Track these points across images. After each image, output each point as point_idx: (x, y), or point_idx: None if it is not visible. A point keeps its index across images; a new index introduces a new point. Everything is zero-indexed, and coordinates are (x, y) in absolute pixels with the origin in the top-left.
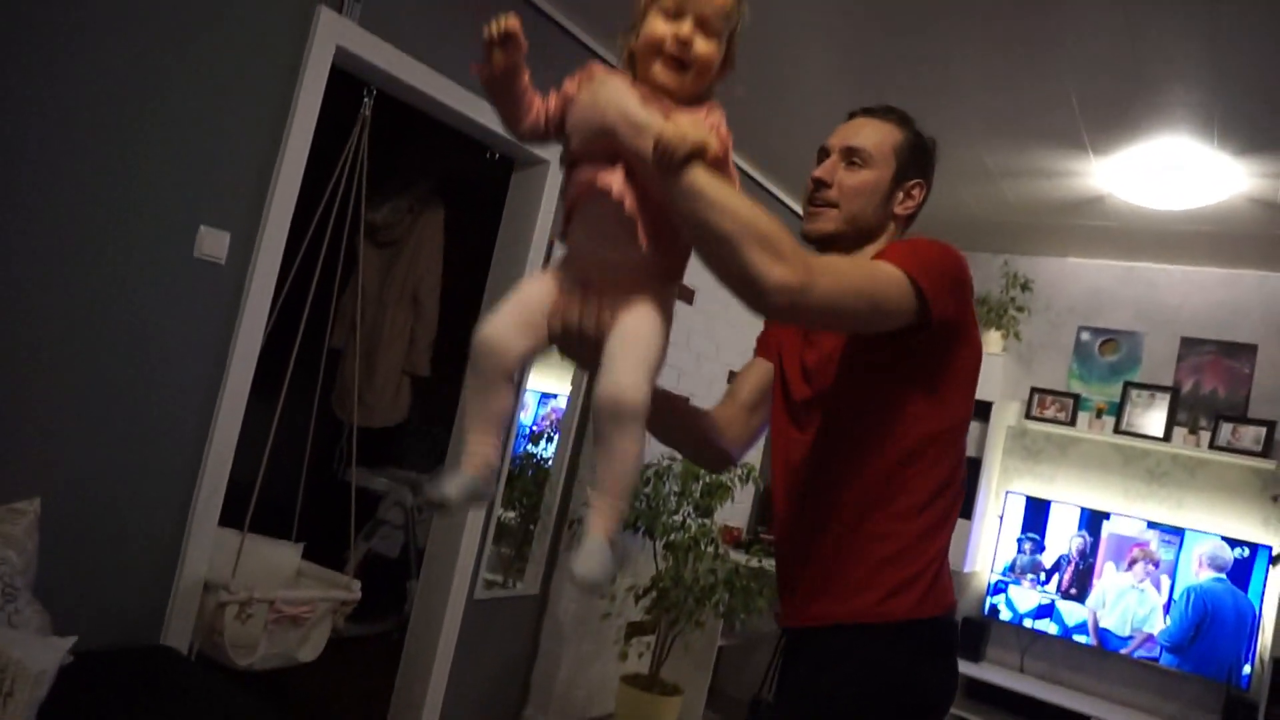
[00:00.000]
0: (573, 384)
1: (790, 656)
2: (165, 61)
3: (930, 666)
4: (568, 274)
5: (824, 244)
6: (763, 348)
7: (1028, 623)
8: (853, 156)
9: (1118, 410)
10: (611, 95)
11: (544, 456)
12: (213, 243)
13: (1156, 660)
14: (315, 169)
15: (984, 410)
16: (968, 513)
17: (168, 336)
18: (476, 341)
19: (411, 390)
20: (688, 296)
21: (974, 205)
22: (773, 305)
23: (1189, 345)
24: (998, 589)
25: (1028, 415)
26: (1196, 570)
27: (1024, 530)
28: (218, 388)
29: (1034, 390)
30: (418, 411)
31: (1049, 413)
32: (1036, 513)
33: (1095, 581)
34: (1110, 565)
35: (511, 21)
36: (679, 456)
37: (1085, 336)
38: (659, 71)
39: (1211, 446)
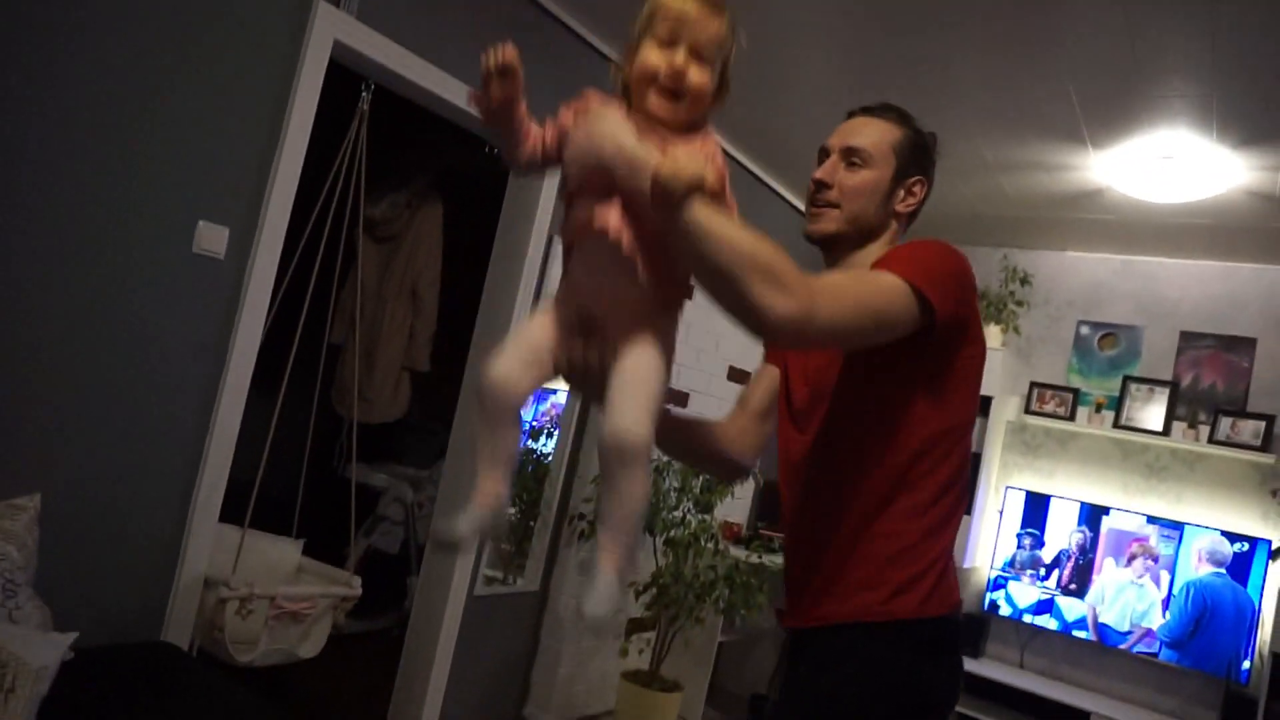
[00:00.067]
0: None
1: (794, 655)
2: (163, 57)
3: (934, 666)
4: (569, 308)
5: (827, 244)
6: (770, 354)
7: (1027, 618)
8: (852, 157)
9: (1117, 404)
10: (607, 130)
11: (544, 452)
12: (212, 238)
13: (1156, 655)
14: (314, 164)
15: (983, 405)
16: (967, 508)
17: (167, 332)
18: (484, 384)
19: (411, 386)
20: (687, 292)
21: (973, 199)
22: (779, 336)
23: (1188, 339)
24: (997, 584)
25: (1027, 410)
26: (1196, 565)
27: (1023, 525)
28: (217, 383)
29: (1033, 385)
30: (417, 408)
31: (1048, 407)
32: (1036, 508)
33: (1095, 577)
34: (1110, 560)
35: (509, 53)
36: None
37: (1084, 330)
38: (654, 102)
39: (1211, 441)
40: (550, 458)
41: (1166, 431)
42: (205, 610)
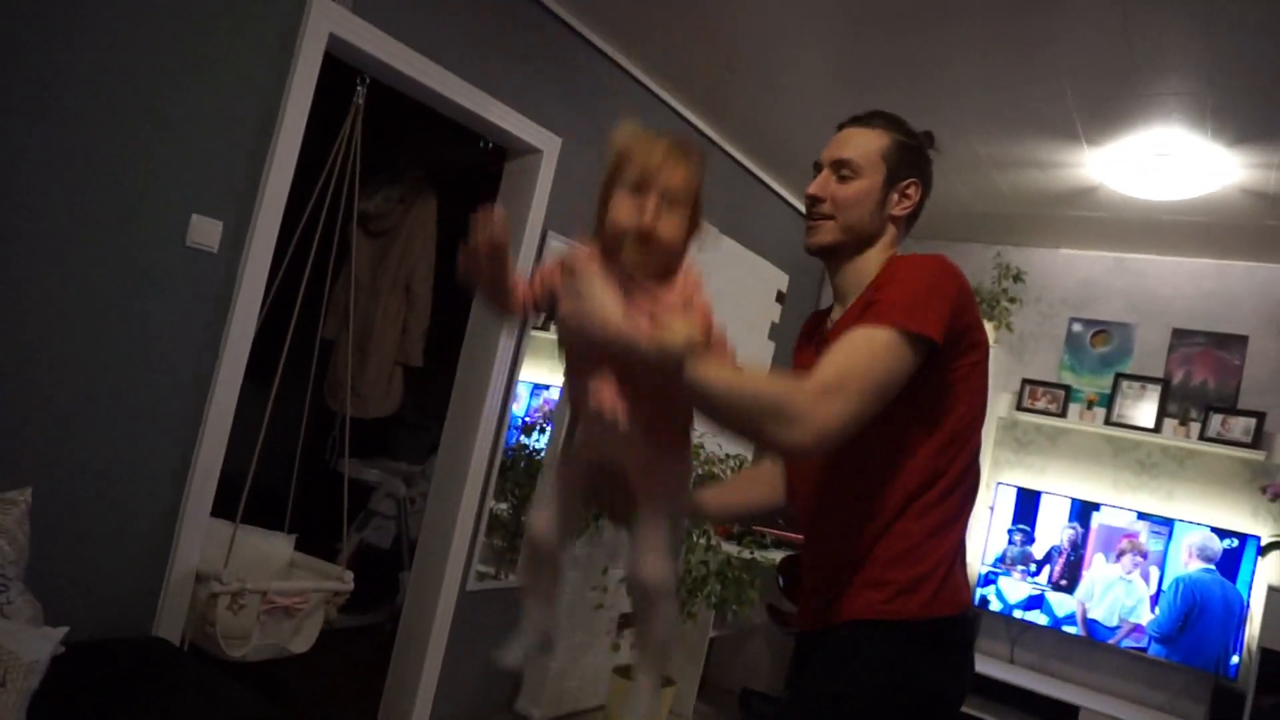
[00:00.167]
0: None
1: (803, 653)
2: (158, 49)
3: (940, 665)
4: (590, 457)
5: (826, 254)
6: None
7: (1018, 613)
8: (842, 169)
9: (1108, 401)
10: (595, 310)
11: (536, 448)
12: (205, 231)
13: (1145, 651)
14: (308, 158)
15: None
16: None
17: (160, 326)
18: (528, 538)
19: (404, 381)
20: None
21: (967, 196)
22: (804, 458)
23: (1180, 336)
24: (988, 580)
25: (1019, 406)
26: (1186, 561)
27: (1014, 521)
28: (210, 378)
29: (1025, 381)
30: (410, 403)
31: (1040, 404)
32: (1027, 504)
33: (1084, 572)
34: (1100, 556)
35: (497, 231)
36: None
37: (1077, 328)
38: (630, 255)
39: (1201, 438)
40: (543, 453)
41: (1158, 428)
42: (197, 605)
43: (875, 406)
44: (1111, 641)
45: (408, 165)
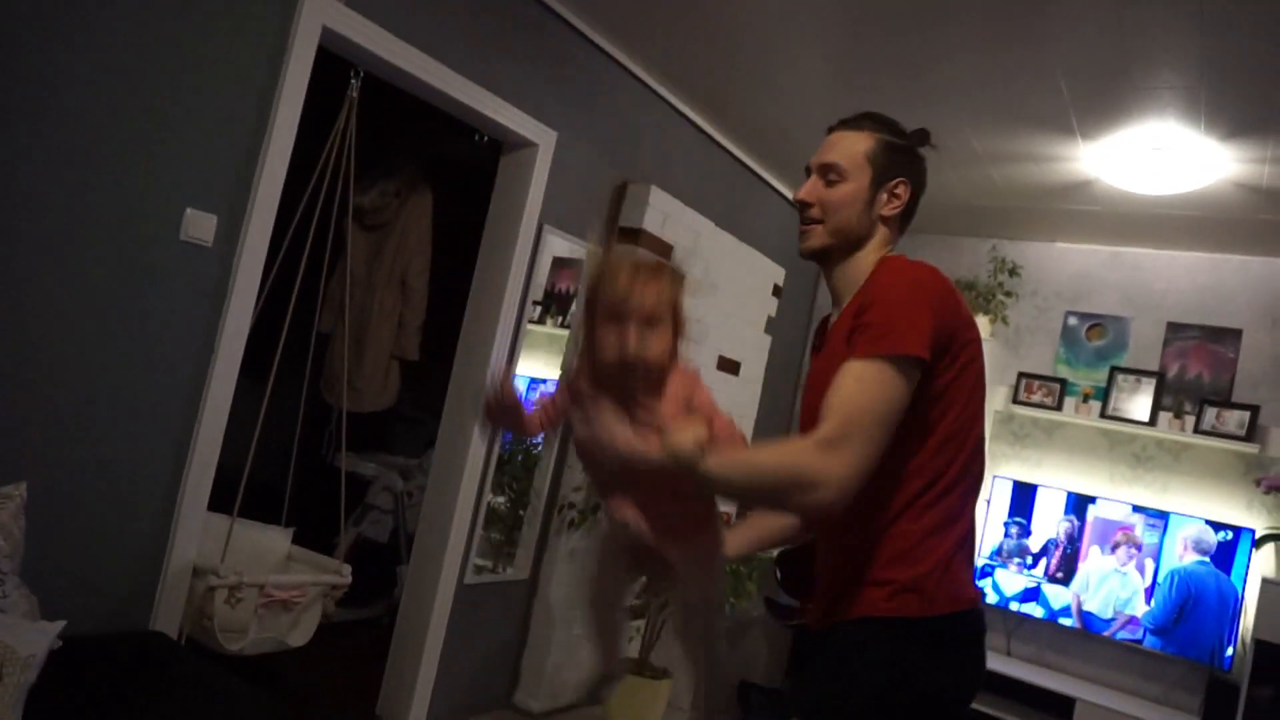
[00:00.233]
0: (562, 369)
1: (809, 649)
2: (151, 43)
3: (942, 662)
4: (627, 543)
5: (819, 258)
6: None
7: (1014, 606)
8: (829, 173)
9: (1104, 395)
10: (606, 434)
11: (534, 442)
12: (199, 225)
13: (1140, 642)
14: (302, 152)
15: None
16: None
17: (155, 320)
18: (589, 602)
19: (400, 375)
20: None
21: (962, 190)
22: (834, 511)
23: (1175, 330)
24: (985, 573)
25: (1015, 400)
26: (1181, 553)
27: (1011, 514)
28: (205, 371)
29: (1021, 375)
30: (407, 397)
31: (1036, 397)
32: (1023, 497)
33: (1080, 565)
34: (1095, 549)
35: (507, 391)
36: None
37: (1072, 321)
38: (624, 381)
39: (1196, 431)
40: (540, 448)
41: (1153, 422)
42: (194, 599)
43: (886, 438)
44: (1107, 634)
45: (403, 159)
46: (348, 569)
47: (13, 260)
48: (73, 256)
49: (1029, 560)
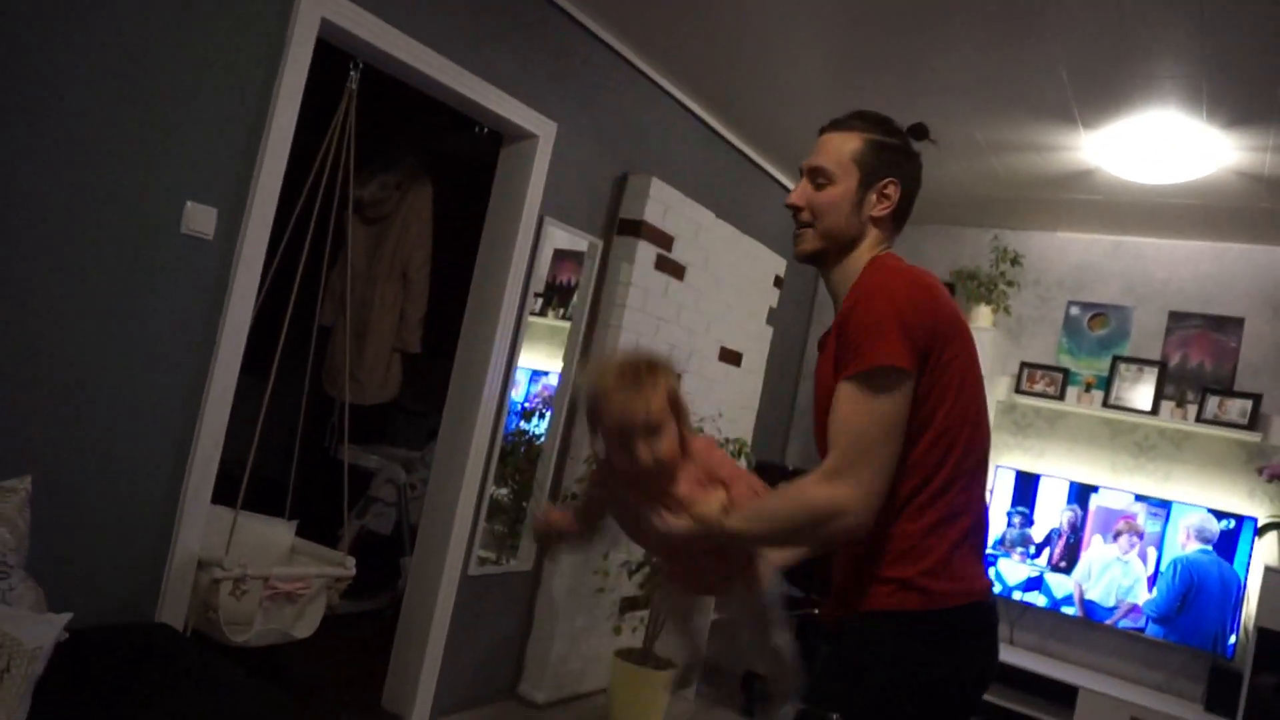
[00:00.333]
0: (564, 361)
1: (821, 641)
2: (150, 35)
3: (948, 655)
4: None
5: (814, 261)
6: None
7: (1017, 595)
8: (817, 177)
9: (1106, 384)
10: (648, 527)
11: (536, 433)
12: (200, 218)
13: (1143, 631)
14: (303, 144)
15: None
16: None
17: (156, 313)
18: (668, 614)
19: (402, 368)
20: (679, 273)
21: (964, 180)
22: (863, 534)
23: (1177, 319)
24: (988, 562)
25: (1017, 390)
26: (1183, 542)
27: (1013, 504)
28: (207, 365)
29: (1023, 365)
30: (408, 391)
31: (1038, 387)
32: (1025, 487)
33: (1082, 554)
34: (1098, 538)
35: (557, 523)
36: None
37: (1074, 311)
38: (646, 486)
39: (1198, 420)
40: (543, 438)
41: (1155, 411)
42: (199, 591)
43: (894, 448)
44: (1109, 622)
45: (403, 152)
46: (351, 561)
47: (14, 255)
48: (74, 251)
49: (1032, 549)
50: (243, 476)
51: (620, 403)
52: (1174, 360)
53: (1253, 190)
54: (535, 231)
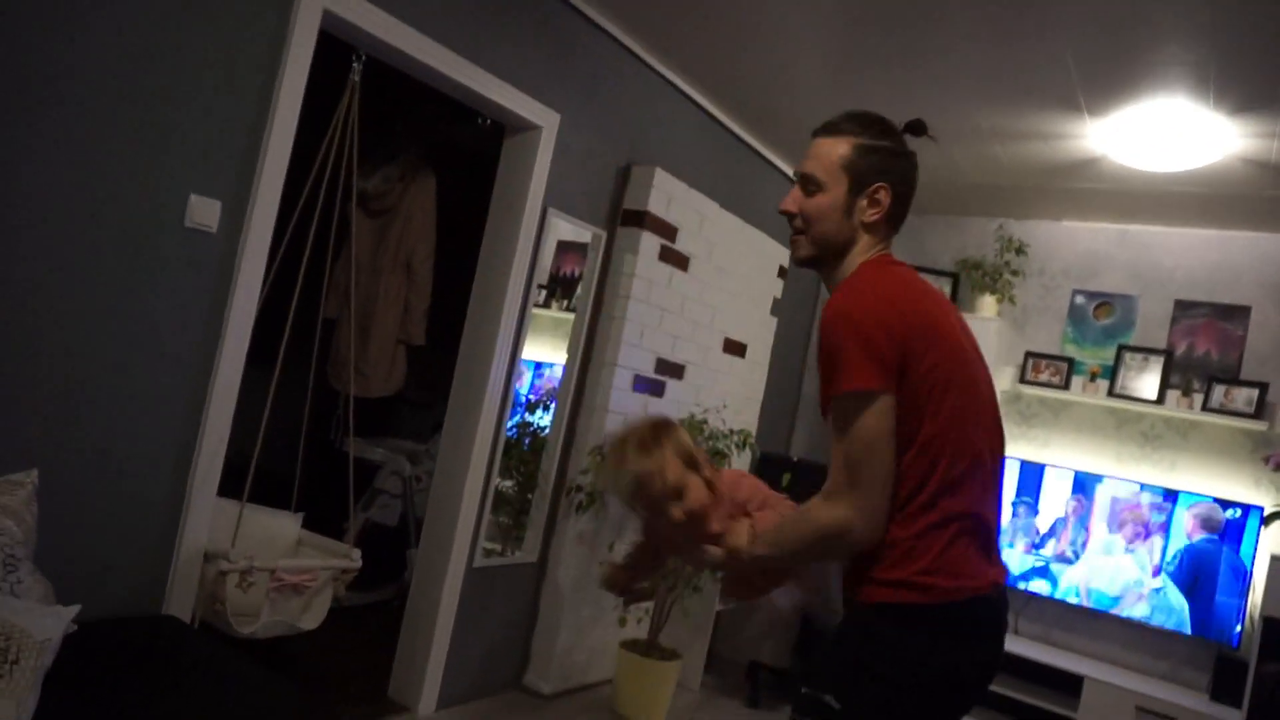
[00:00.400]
0: (568, 352)
1: (827, 632)
2: (152, 29)
3: (949, 646)
4: None
5: (811, 266)
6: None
7: (1021, 585)
8: (808, 183)
9: (1112, 373)
10: (698, 564)
11: (541, 425)
12: (204, 212)
13: (1148, 620)
14: (306, 137)
15: None
16: None
17: (161, 306)
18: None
19: (407, 360)
20: (683, 264)
21: (969, 168)
22: (872, 545)
23: (1183, 308)
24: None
25: (1022, 379)
26: (1189, 531)
27: (1019, 494)
28: (213, 357)
29: (1028, 354)
30: (414, 383)
31: (1043, 376)
32: (1031, 477)
33: (1087, 543)
34: (1103, 527)
35: (621, 580)
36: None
37: (1080, 300)
38: (687, 532)
39: (1204, 409)
40: (548, 430)
41: (1160, 400)
42: (206, 583)
43: (885, 460)
44: (1115, 612)
45: (406, 144)
46: (357, 553)
47: (19, 248)
48: (78, 244)
49: (1037, 539)
50: (248, 469)
51: (642, 485)
52: (1180, 349)
53: (1260, 177)
54: (539, 223)
